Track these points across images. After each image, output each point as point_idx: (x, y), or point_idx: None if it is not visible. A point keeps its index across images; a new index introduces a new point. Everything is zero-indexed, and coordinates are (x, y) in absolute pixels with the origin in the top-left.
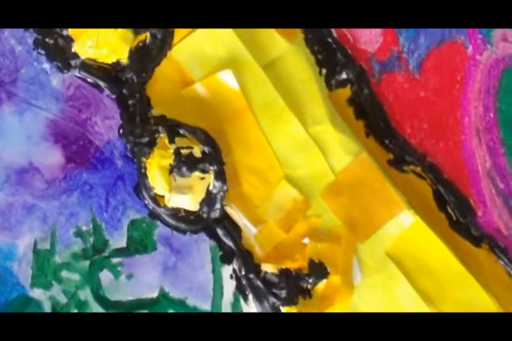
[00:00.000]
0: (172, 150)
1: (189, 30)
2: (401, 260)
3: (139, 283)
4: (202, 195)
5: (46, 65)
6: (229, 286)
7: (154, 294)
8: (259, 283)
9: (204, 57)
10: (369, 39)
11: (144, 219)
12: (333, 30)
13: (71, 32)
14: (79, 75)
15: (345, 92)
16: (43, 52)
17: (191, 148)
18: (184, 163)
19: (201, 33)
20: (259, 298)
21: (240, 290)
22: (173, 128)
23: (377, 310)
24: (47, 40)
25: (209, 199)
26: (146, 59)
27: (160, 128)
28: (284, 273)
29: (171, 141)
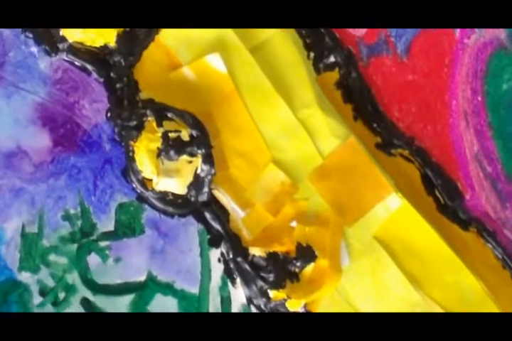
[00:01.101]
0: (160, 134)
1: None
2: (389, 243)
3: (126, 266)
4: (190, 178)
5: (34, 49)
6: (217, 270)
7: (142, 277)
8: (246, 267)
9: (191, 41)
10: None
11: (131, 203)
12: None
13: None
14: (67, 59)
15: (333, 76)
16: (30, 35)
17: (179, 131)
18: (172, 147)
19: None
20: (246, 282)
21: (228, 273)
22: (161, 112)
23: (365, 294)
24: None
25: (197, 183)
26: (133, 42)
27: (148, 112)
28: (272, 257)
29: (159, 125)
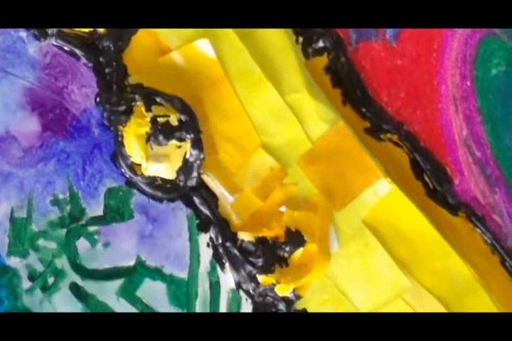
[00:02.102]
0: (149, 119)
1: None
2: (378, 228)
3: (115, 251)
4: (178, 163)
5: (23, 33)
6: (206, 254)
7: (131, 262)
8: (235, 252)
9: None
10: None
11: (120, 188)
12: None
13: None
14: (56, 43)
15: (322, 60)
16: None
17: (168, 116)
18: (161, 132)
19: None
20: (235, 267)
21: (217, 258)
22: (150, 97)
23: (354, 278)
24: None
25: (186, 168)
26: None
27: (137, 97)
28: (261, 242)
29: (148, 109)
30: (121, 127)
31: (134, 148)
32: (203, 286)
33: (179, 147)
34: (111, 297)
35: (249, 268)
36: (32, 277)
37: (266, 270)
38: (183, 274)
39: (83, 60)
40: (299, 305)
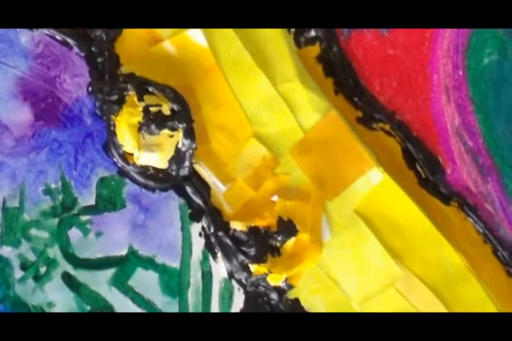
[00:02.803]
0: (141, 108)
1: None
2: (370, 217)
3: (107, 240)
4: (171, 152)
5: None
6: (198, 244)
7: (123, 252)
8: (228, 241)
9: None
10: None
11: (112, 177)
12: None
13: None
14: (48, 33)
15: (314, 50)
16: None
17: (160, 105)
18: (153, 121)
19: None
20: (228, 256)
21: (209, 248)
22: (142, 86)
23: (346, 268)
24: None
25: (178, 157)
26: None
27: (129, 86)
28: (253, 231)
29: (140, 99)
30: (113, 116)
31: (126, 137)
32: (195, 276)
33: (171, 136)
34: (103, 286)
35: (241, 257)
36: (24, 266)
37: (258, 259)
38: (176, 264)
39: (75, 49)
40: (291, 295)
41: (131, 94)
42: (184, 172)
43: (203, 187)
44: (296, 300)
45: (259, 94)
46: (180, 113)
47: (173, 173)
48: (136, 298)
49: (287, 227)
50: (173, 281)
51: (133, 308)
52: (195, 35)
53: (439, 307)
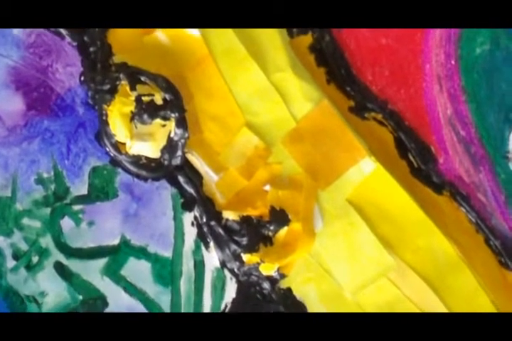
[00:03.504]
0: (133, 98)
1: None
2: (362, 207)
3: (100, 230)
4: (163, 142)
5: None
6: (190, 233)
7: (115, 241)
8: (220, 231)
9: None
10: None
11: (105, 167)
12: None
13: None
14: None
15: (307, 39)
16: None
17: (152, 95)
18: (145, 110)
19: None
20: (220, 245)
21: (201, 237)
22: (135, 76)
23: (338, 257)
24: None
25: (170, 147)
26: None
27: (121, 76)
28: (245, 221)
29: (132, 88)
30: (105, 106)
31: (118, 126)
32: (188, 265)
33: (164, 126)
34: (95, 276)
35: (233, 247)
36: (16, 256)
37: (250, 249)
38: (168, 253)
39: (68, 38)
40: (283, 284)
41: (124, 84)
42: (176, 161)
43: (195, 177)
44: (289, 290)
45: (252, 83)
46: (173, 102)
47: (166, 163)
48: (128, 287)
49: (279, 217)
50: (166, 271)
51: (125, 298)
52: None
53: (431, 297)
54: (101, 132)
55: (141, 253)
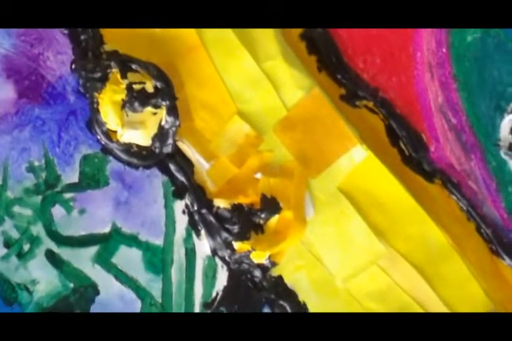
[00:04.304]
0: (124, 86)
1: None
2: (353, 195)
3: (91, 218)
4: (154, 130)
5: None
6: (181, 221)
7: (106, 229)
8: (211, 218)
9: None
10: None
11: (96, 154)
12: None
13: None
14: None
15: None
16: None
17: (143, 83)
18: (136, 98)
19: None
20: (211, 233)
21: (193, 225)
22: (126, 64)
23: (330, 245)
24: None
25: (161, 135)
26: None
27: (112, 64)
28: (237, 208)
29: (124, 76)
30: (96, 94)
31: (109, 114)
32: (179, 253)
33: (155, 114)
34: (86, 264)
35: (224, 235)
36: (7, 244)
37: (241, 237)
38: (159, 241)
39: None
40: (274, 272)
41: (115, 72)
42: (167, 149)
43: (186, 165)
44: (280, 278)
45: (243, 71)
46: (164, 90)
47: (157, 151)
48: (119, 275)
49: (271, 205)
50: (157, 258)
51: (116, 285)
52: None
53: (422, 285)
54: (92, 120)
55: (133, 241)
